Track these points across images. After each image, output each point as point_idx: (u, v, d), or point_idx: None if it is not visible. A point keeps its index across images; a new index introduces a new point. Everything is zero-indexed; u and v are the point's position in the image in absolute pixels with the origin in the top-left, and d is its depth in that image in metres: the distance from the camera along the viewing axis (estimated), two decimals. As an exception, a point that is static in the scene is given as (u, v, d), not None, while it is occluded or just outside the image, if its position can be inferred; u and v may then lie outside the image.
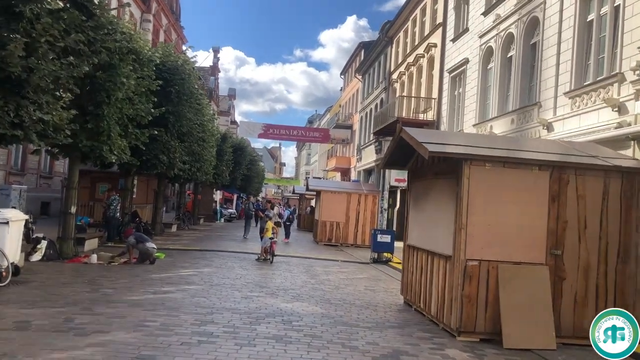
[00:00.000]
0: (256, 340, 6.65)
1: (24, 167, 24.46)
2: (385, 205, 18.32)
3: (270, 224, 15.92)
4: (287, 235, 25.32)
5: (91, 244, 15.81)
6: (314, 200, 35.59)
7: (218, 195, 43.80)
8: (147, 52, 15.67)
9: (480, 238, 7.56)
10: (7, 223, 9.58)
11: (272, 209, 19.89)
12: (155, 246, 13.73)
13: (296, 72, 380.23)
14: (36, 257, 12.70)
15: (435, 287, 8.44)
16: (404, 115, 28.83)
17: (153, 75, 15.63)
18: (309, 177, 66.59)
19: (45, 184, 26.34)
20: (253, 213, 25.94)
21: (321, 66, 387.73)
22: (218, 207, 41.61)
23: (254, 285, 11.03)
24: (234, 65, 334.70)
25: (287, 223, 25.71)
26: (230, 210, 43.85)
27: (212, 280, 11.25)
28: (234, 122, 73.48)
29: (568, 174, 7.74)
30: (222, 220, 39.84)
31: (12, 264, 9.62)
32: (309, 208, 39.21)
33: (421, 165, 9.67)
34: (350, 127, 50.00)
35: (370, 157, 40.05)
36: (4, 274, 9.18)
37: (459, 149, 8.04)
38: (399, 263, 17.93)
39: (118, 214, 17.19)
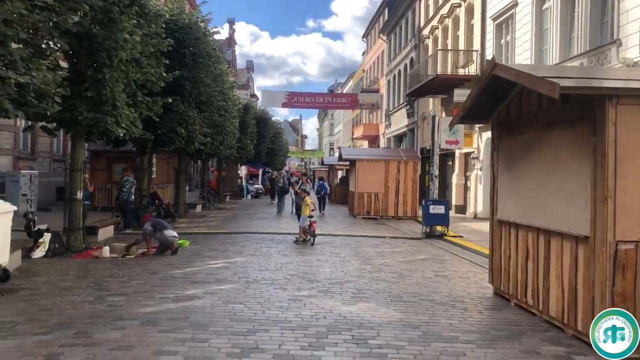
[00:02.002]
0: (327, 382, 4.46)
1: (34, 150, 22.63)
2: (436, 172, 15.97)
3: (309, 200, 13.68)
4: (323, 208, 23.46)
5: (106, 232, 13.85)
6: (346, 170, 33.31)
7: (243, 171, 41.76)
8: (154, 7, 13.36)
9: (636, 210, 5.21)
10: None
11: (307, 182, 17.68)
12: (176, 234, 11.60)
13: (311, 43, 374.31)
14: (39, 253, 10.78)
15: (557, 279, 6.12)
16: (439, 72, 26.24)
17: (163, 34, 13.36)
18: (333, 147, 64.12)
19: (60, 167, 24.45)
20: (288, 187, 23.73)
21: (336, 35, 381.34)
22: (244, 183, 39.63)
23: (300, 279, 8.83)
24: (248, 40, 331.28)
25: (318, 196, 23.55)
26: (256, 186, 41.95)
27: (247, 275, 9.08)
28: (253, 96, 71.09)
29: None
30: (249, 196, 37.99)
31: (-4, 268, 7.65)
32: (337, 180, 36.97)
33: (517, 114, 7.27)
34: (377, 91, 47.20)
35: (401, 121, 37.47)
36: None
37: (598, 82, 5.61)
38: (455, 237, 15.67)
39: (132, 197, 15.09)
